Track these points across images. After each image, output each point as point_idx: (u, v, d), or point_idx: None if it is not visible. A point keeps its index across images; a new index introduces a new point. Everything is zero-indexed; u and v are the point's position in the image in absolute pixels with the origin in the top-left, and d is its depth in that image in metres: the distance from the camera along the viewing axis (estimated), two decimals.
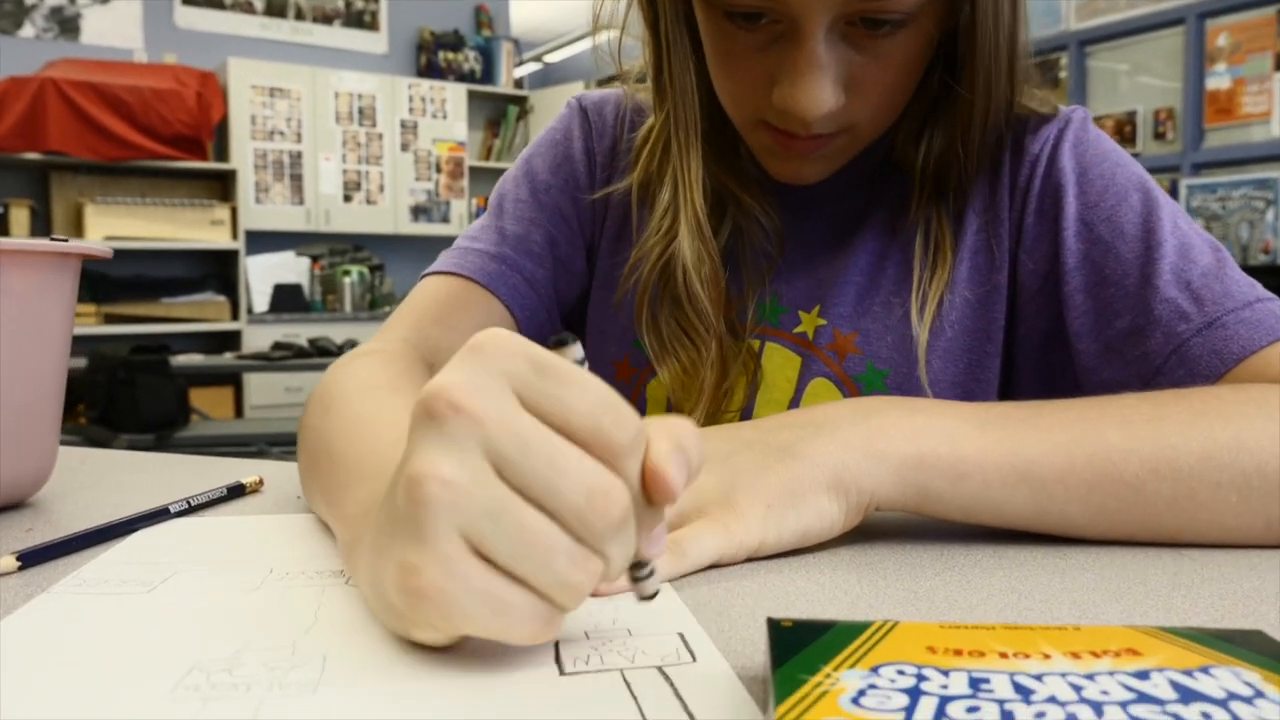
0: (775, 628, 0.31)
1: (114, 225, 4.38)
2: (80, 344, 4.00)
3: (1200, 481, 0.47)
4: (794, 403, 0.71)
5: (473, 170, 5.51)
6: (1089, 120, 0.69)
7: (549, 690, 0.31)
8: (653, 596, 0.35)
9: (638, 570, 0.34)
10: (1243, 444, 0.47)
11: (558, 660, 0.33)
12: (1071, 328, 0.64)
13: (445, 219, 5.38)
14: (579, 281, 0.79)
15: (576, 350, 0.37)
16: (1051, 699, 0.26)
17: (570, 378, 0.31)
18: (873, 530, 0.52)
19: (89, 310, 4.33)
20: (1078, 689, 0.26)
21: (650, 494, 0.32)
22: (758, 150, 0.68)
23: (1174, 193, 3.73)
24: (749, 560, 0.47)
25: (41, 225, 4.38)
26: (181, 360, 3.81)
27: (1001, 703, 0.25)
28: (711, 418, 0.71)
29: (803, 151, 0.64)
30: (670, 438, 0.33)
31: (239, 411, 4.64)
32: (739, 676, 0.32)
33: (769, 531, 0.46)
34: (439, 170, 5.39)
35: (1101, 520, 0.48)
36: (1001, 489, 0.48)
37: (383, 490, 0.36)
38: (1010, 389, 0.70)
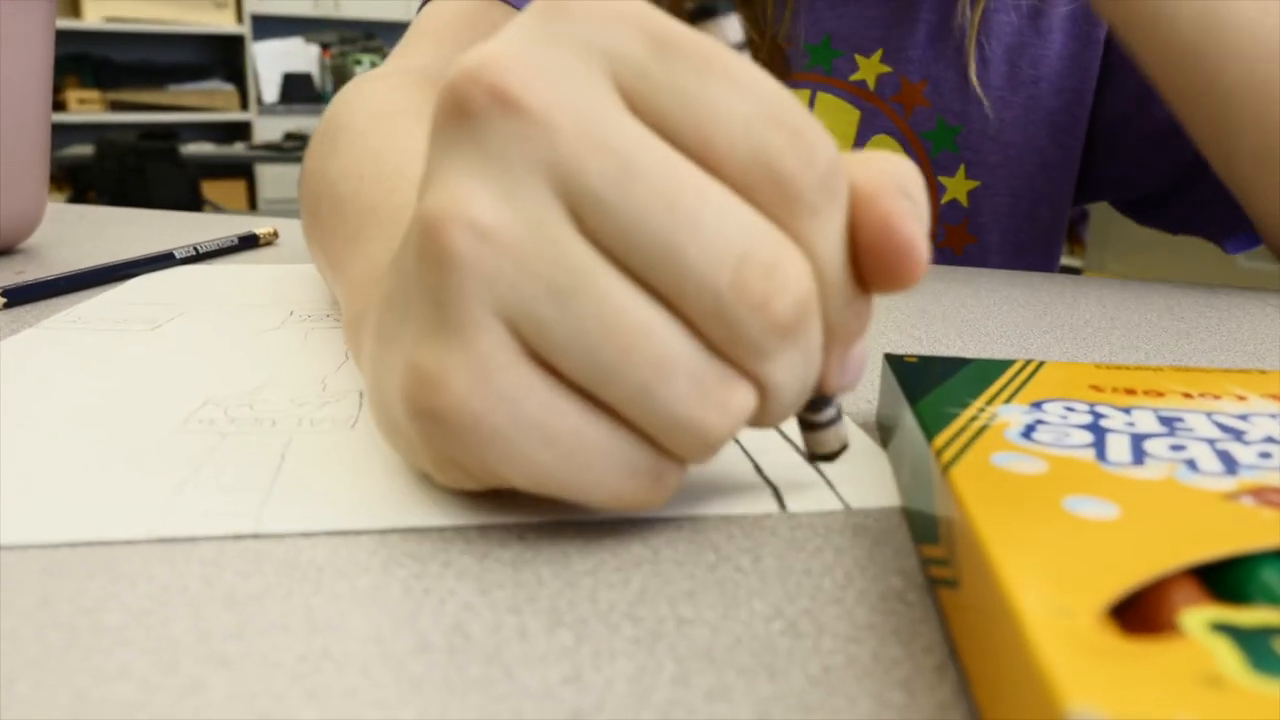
0: (897, 362, 0.26)
1: (113, 6, 4.17)
2: (87, 131, 3.92)
3: None
4: None
5: None
6: None
7: None
8: (835, 455, 0.21)
9: (815, 411, 0.21)
10: None
11: None
12: None
13: None
14: None
15: (731, 27, 0.18)
16: (1269, 439, 0.20)
17: (718, 65, 0.17)
18: (968, 292, 0.47)
19: (93, 96, 4.18)
20: None
21: (872, 266, 0.18)
22: None
23: None
24: None
25: None
26: (191, 149, 3.71)
27: (1211, 441, 0.20)
28: None
29: None
30: (887, 174, 0.18)
31: (253, 204, 4.55)
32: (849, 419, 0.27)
33: None
34: None
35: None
36: None
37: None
38: (1092, 159, 0.63)
